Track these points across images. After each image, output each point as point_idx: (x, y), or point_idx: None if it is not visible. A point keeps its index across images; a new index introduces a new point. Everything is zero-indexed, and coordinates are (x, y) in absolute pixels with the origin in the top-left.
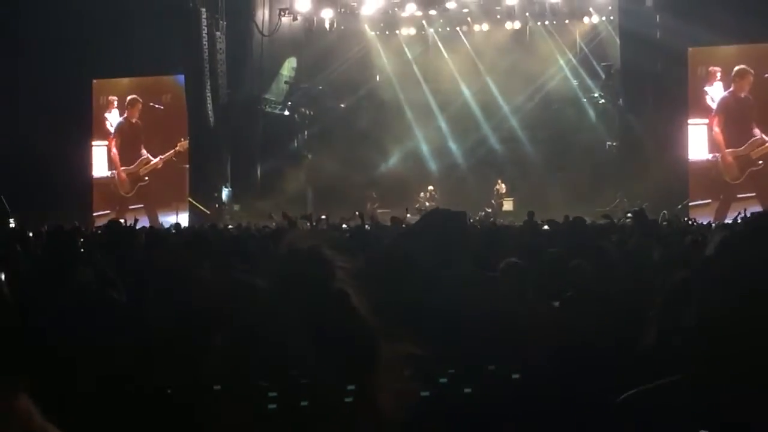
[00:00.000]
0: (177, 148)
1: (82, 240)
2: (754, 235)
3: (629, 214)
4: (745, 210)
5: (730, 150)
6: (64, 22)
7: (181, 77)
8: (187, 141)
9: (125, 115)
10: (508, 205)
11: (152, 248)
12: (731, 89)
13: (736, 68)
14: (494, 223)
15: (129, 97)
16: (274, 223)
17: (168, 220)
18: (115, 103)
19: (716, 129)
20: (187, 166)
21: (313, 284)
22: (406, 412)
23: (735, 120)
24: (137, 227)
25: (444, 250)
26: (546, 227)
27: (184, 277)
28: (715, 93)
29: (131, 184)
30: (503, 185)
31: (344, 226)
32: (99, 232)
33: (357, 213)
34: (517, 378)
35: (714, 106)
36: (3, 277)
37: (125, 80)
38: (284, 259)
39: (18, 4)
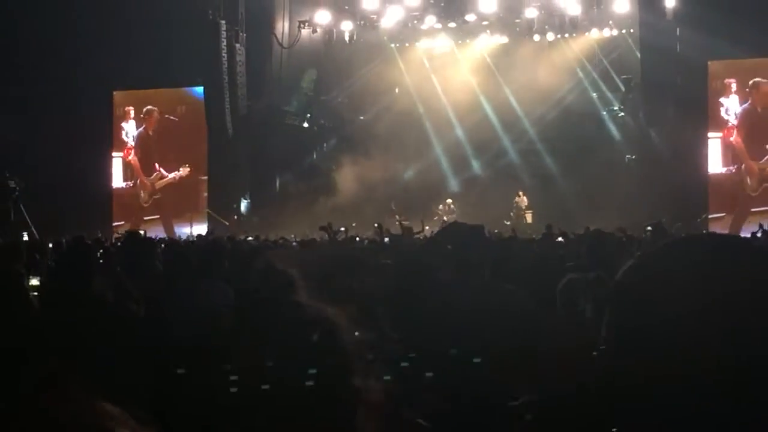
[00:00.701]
0: (180, 172)
1: (101, 251)
2: (665, 259)
3: (648, 228)
4: (761, 225)
5: (753, 161)
6: (84, 35)
7: (198, 89)
8: (188, 166)
9: (143, 126)
10: (528, 217)
11: (172, 260)
12: (750, 102)
13: (753, 81)
14: (514, 234)
15: (145, 108)
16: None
17: (184, 231)
18: (132, 113)
19: (737, 140)
20: (203, 177)
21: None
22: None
23: (754, 133)
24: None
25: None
26: (560, 239)
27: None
28: (731, 105)
29: (148, 195)
30: (524, 198)
31: (358, 238)
32: (118, 243)
33: (376, 225)
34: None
35: (729, 118)
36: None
37: (143, 91)
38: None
39: (38, 15)
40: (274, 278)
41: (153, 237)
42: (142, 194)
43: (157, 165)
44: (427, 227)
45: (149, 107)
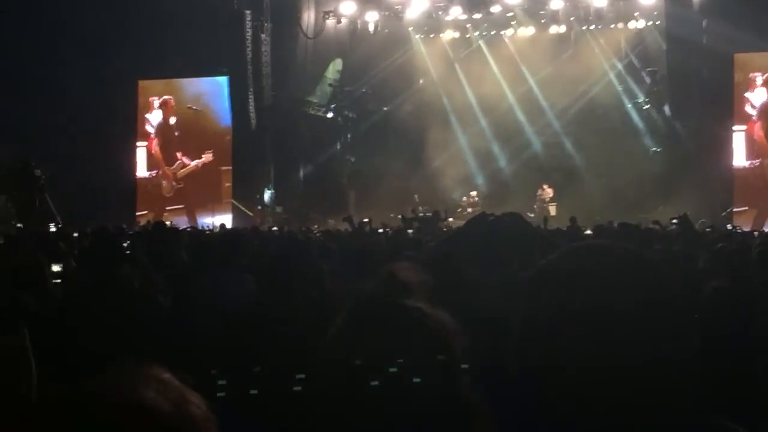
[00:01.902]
0: (202, 159)
1: (127, 241)
2: (571, 262)
3: (674, 221)
4: None
5: None
6: (109, 24)
7: (223, 79)
8: (212, 152)
9: (163, 116)
10: (552, 210)
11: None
12: None
13: None
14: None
15: (162, 98)
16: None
17: (206, 221)
18: (156, 103)
19: (758, 134)
20: (225, 168)
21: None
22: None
23: None
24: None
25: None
26: (589, 232)
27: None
28: (757, 99)
29: (170, 185)
30: (549, 190)
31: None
32: (143, 232)
33: (400, 217)
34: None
35: (754, 112)
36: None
37: (166, 81)
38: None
39: (64, 4)
40: (395, 282)
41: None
42: (165, 184)
43: (179, 155)
44: (450, 219)
45: (166, 97)
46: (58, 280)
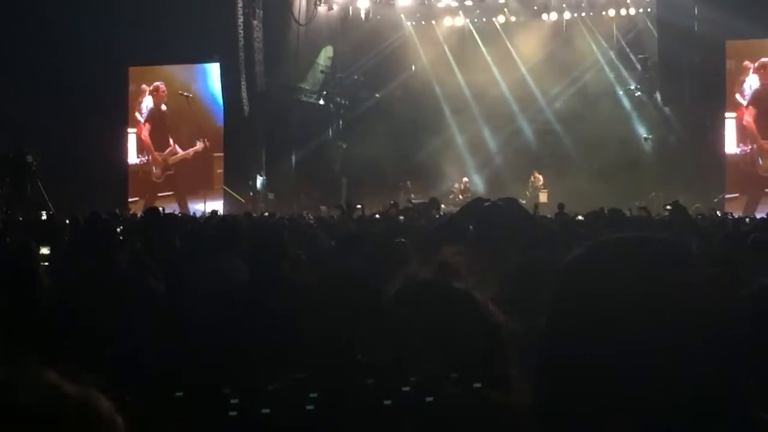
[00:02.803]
0: (196, 147)
1: (120, 227)
2: (603, 254)
3: (668, 207)
4: None
5: (764, 141)
6: (101, 10)
7: (215, 66)
8: (204, 140)
9: (154, 102)
10: (542, 197)
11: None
12: (761, 82)
13: (761, 60)
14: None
15: (154, 84)
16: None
17: (197, 208)
18: (147, 90)
19: (748, 119)
20: (217, 154)
21: None
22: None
23: (766, 113)
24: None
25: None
26: (580, 218)
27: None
28: (748, 86)
29: (161, 170)
30: (540, 177)
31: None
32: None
33: (392, 203)
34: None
35: (745, 98)
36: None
37: (158, 68)
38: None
39: None
40: (445, 267)
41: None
42: (155, 170)
43: (171, 141)
44: (442, 206)
45: (156, 83)
46: (46, 263)
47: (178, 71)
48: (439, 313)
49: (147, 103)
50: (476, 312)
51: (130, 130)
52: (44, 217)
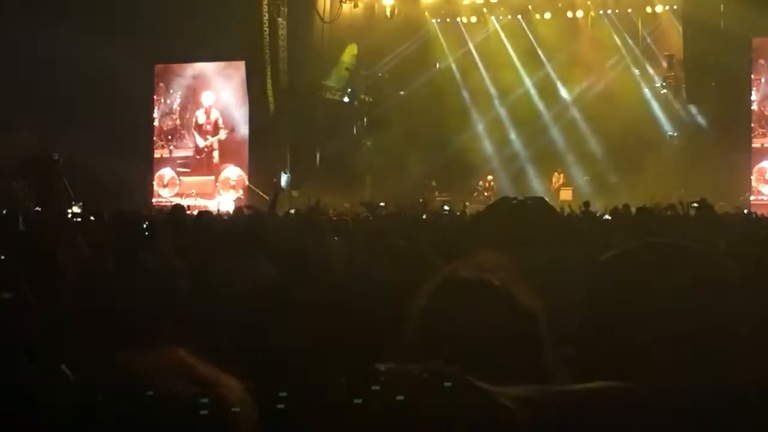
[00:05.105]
0: (220, 135)
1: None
2: (638, 256)
3: (694, 205)
4: None
5: None
6: (127, 7)
7: (240, 63)
8: (227, 132)
9: (179, 99)
10: (566, 194)
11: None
12: None
13: None
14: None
15: (177, 81)
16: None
17: (222, 205)
18: (173, 86)
19: None
20: (240, 152)
21: None
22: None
23: None
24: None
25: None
26: (607, 217)
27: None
28: None
29: (186, 168)
30: (563, 175)
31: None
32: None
33: (421, 201)
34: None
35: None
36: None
37: (183, 65)
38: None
39: None
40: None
41: (195, 211)
42: (180, 167)
43: (195, 137)
44: (467, 203)
45: (181, 81)
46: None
47: (203, 68)
48: (482, 309)
49: (173, 99)
50: (517, 307)
51: (156, 126)
52: (76, 209)
